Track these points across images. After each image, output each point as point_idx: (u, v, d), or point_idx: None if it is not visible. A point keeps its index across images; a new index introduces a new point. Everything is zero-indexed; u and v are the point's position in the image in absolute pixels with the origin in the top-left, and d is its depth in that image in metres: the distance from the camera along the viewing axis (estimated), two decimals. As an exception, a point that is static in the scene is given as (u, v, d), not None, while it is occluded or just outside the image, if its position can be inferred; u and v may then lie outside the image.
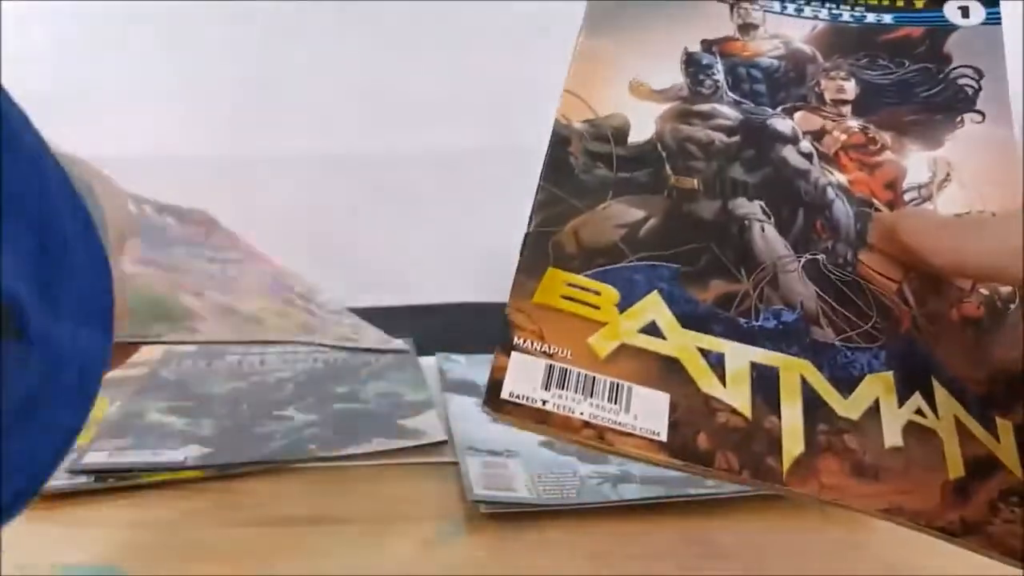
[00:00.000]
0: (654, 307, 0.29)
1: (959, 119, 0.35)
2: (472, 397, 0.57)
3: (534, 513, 0.43)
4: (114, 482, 0.45)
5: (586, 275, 0.30)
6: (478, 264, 0.86)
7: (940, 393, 0.29)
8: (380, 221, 0.87)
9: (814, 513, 0.43)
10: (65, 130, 0.96)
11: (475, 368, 0.63)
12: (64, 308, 0.23)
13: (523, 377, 0.28)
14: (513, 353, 0.28)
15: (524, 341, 0.28)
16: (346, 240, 0.88)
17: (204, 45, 0.85)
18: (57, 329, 0.23)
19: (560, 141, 0.34)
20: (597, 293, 0.30)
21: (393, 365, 0.64)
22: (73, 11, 0.84)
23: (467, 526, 0.43)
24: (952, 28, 0.37)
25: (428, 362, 0.65)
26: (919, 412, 0.29)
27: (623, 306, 0.29)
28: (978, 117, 0.35)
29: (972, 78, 0.36)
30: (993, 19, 0.37)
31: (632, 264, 0.30)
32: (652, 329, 0.29)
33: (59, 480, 0.45)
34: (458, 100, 0.85)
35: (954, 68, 0.36)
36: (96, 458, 0.47)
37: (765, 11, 0.38)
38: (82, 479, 0.45)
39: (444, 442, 0.51)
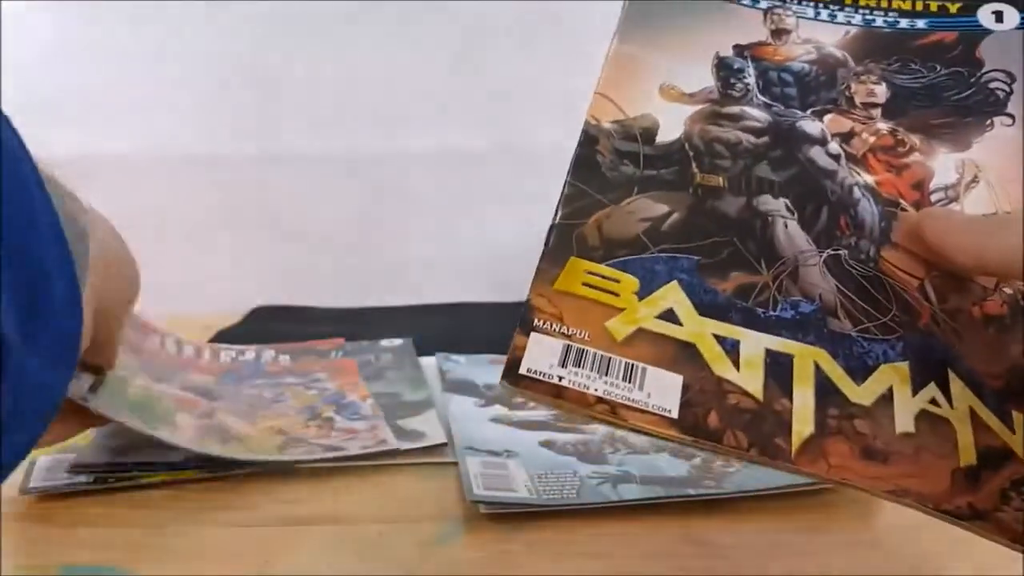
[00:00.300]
0: (673, 295, 0.30)
1: (989, 122, 0.35)
2: (472, 397, 0.57)
3: (534, 513, 0.43)
4: (114, 482, 0.45)
5: (607, 264, 0.31)
6: (478, 264, 0.87)
7: (956, 385, 0.29)
8: (380, 221, 0.87)
9: (814, 513, 0.43)
10: (65, 130, 0.97)
11: (475, 368, 0.63)
12: (39, 345, 0.25)
13: (541, 355, 0.28)
14: (532, 333, 0.29)
15: (544, 323, 0.29)
16: (346, 240, 0.88)
17: (205, 45, 0.85)
18: (30, 364, 0.25)
19: (588, 140, 0.34)
20: (617, 281, 0.30)
21: (392, 364, 0.64)
22: (73, 11, 0.84)
23: (467, 526, 0.43)
24: (985, 32, 0.37)
25: (428, 362, 0.65)
26: (933, 402, 0.29)
27: (642, 294, 0.30)
28: (1008, 120, 0.35)
29: (1004, 82, 0.36)
30: None
31: (653, 255, 0.31)
32: (669, 316, 0.30)
33: (59, 480, 0.45)
34: (459, 100, 0.85)
35: (986, 72, 0.36)
36: (96, 458, 0.47)
37: (798, 16, 0.39)
38: (82, 479, 0.45)
39: (444, 444, 0.51)
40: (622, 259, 0.31)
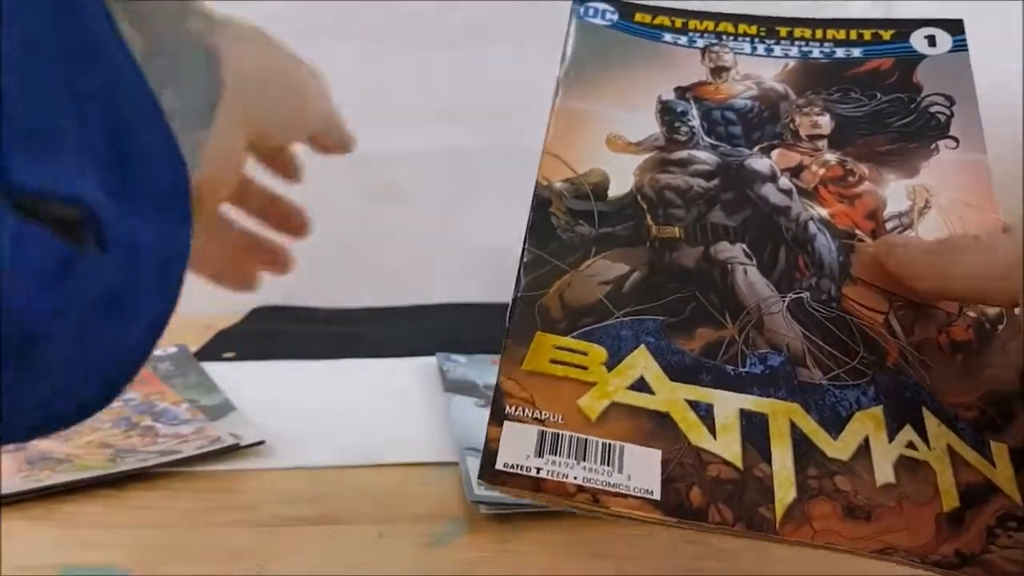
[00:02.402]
0: (642, 362, 0.30)
1: (934, 146, 0.35)
2: (472, 397, 0.57)
3: (534, 513, 0.43)
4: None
5: (573, 336, 0.30)
6: (478, 264, 0.87)
7: (931, 423, 0.29)
8: (380, 221, 0.87)
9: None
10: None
11: (475, 368, 0.63)
12: (140, 205, 0.24)
13: (516, 446, 0.28)
14: (505, 422, 0.28)
15: (516, 408, 0.29)
16: (346, 240, 0.88)
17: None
18: (135, 227, 0.24)
19: (541, 203, 0.34)
20: (584, 353, 0.30)
21: (175, 373, 0.63)
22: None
23: (467, 526, 0.43)
24: (920, 57, 0.38)
25: (428, 362, 0.65)
26: (910, 445, 0.29)
27: (611, 363, 0.30)
28: (952, 143, 0.35)
29: (944, 105, 0.36)
30: (960, 46, 0.38)
31: (618, 320, 0.31)
32: (641, 385, 0.29)
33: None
34: (459, 100, 0.85)
35: (926, 96, 0.37)
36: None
37: (735, 53, 0.39)
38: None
39: (262, 442, 0.50)
40: (587, 328, 0.30)
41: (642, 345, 0.30)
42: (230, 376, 0.62)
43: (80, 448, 0.50)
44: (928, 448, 0.29)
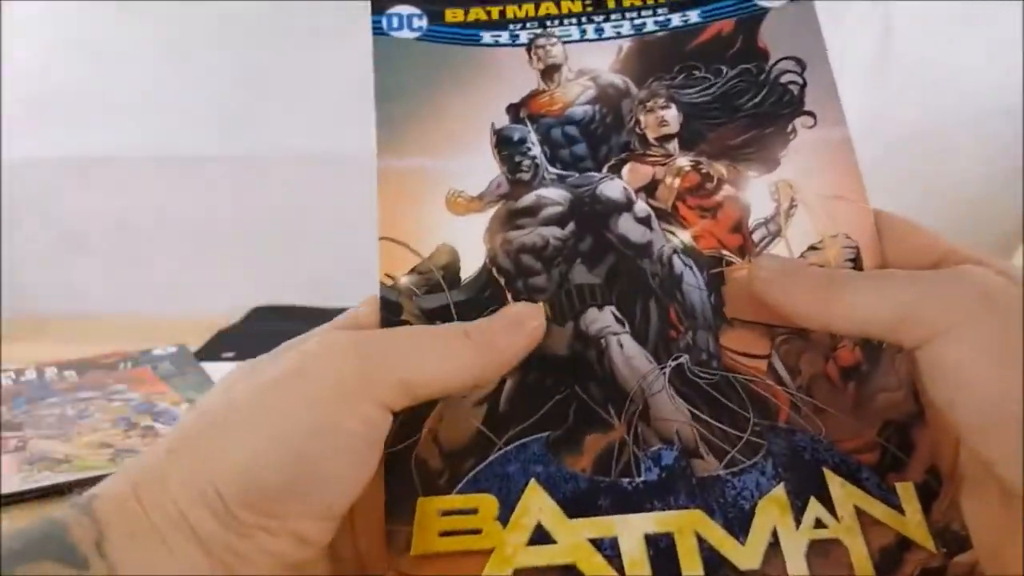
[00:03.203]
0: (536, 503, 0.27)
1: (790, 128, 0.32)
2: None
3: None
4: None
5: (458, 492, 0.27)
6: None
7: (835, 485, 0.28)
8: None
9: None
10: (65, 130, 0.96)
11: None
12: None
13: None
14: None
15: None
16: (346, 240, 0.88)
17: (205, 45, 0.85)
18: None
19: (391, 308, 0.30)
20: (474, 511, 0.27)
21: (174, 372, 0.63)
22: (73, 11, 0.84)
23: None
24: (763, 13, 0.34)
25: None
26: (819, 524, 0.27)
27: (504, 515, 0.27)
28: (809, 121, 0.32)
29: (795, 72, 0.33)
30: None
31: (501, 453, 0.28)
32: (540, 535, 0.27)
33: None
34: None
35: (775, 64, 0.33)
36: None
37: (564, 42, 0.34)
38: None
39: None
40: (471, 475, 0.27)
41: (532, 480, 0.27)
42: (230, 376, 0.61)
43: (80, 448, 0.50)
44: (836, 520, 0.27)
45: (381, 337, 0.26)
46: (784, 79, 0.33)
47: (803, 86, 0.33)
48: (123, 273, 0.89)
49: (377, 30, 0.33)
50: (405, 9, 0.34)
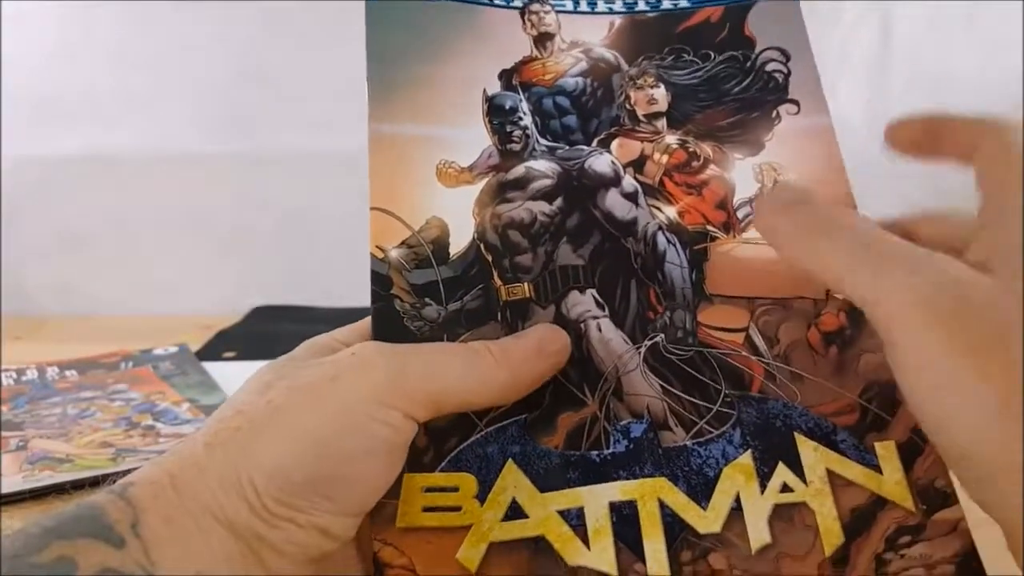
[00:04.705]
0: (512, 480, 0.28)
1: (775, 114, 0.33)
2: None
3: None
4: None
5: (441, 470, 0.28)
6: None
7: (806, 450, 0.28)
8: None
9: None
10: (65, 130, 0.96)
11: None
12: None
13: None
14: None
15: None
16: (346, 240, 0.88)
17: (205, 44, 0.85)
18: None
19: (381, 284, 0.30)
20: (455, 489, 0.28)
21: (175, 372, 0.63)
22: (73, 11, 0.84)
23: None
24: (750, 3, 0.35)
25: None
26: (785, 488, 0.27)
27: (483, 494, 0.28)
28: (793, 108, 0.33)
29: (780, 62, 0.34)
30: None
31: (482, 434, 0.28)
32: (514, 511, 0.28)
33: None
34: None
35: (760, 53, 0.34)
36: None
37: (557, 11, 0.35)
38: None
39: None
40: (454, 455, 0.28)
41: (509, 460, 0.28)
42: (231, 375, 0.62)
43: (81, 448, 0.50)
44: (804, 484, 0.27)
45: (412, 351, 0.27)
46: (769, 67, 0.34)
47: (787, 75, 0.33)
48: (123, 273, 0.89)
49: None
50: None
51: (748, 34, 0.34)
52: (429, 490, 0.28)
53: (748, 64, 0.34)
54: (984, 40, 0.78)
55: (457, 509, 0.27)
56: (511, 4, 0.35)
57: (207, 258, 0.89)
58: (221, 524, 0.24)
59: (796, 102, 0.33)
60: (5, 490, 0.45)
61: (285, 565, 0.25)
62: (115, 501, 0.23)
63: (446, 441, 0.28)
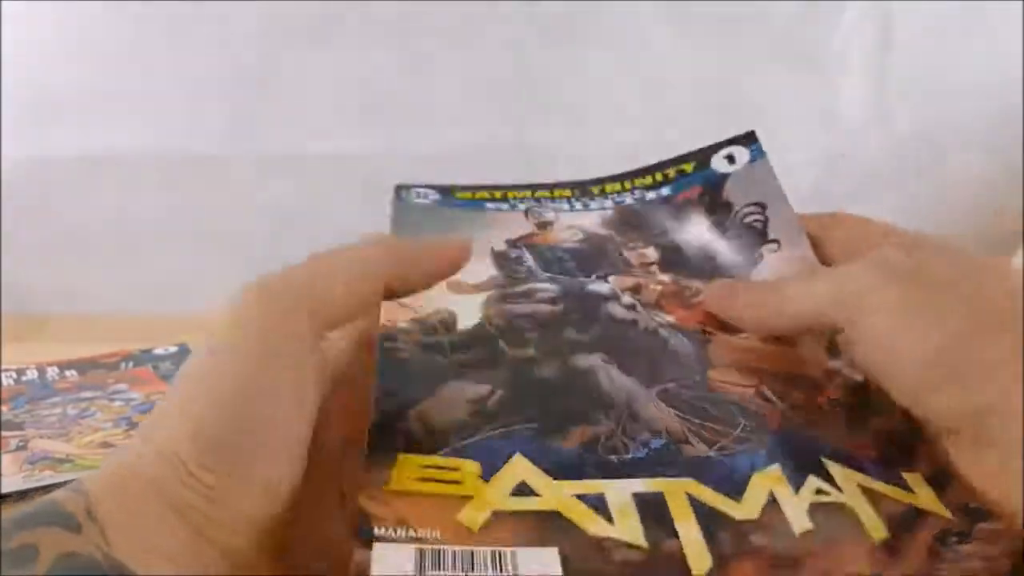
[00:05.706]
0: (521, 468, 0.27)
1: (758, 254, 0.36)
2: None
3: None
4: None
5: (442, 454, 0.27)
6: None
7: (835, 468, 0.27)
8: (381, 221, 0.87)
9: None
10: (65, 130, 0.96)
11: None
12: None
13: (392, 566, 0.23)
14: (376, 544, 0.23)
15: (387, 529, 0.24)
16: (346, 239, 0.88)
17: (205, 45, 0.85)
18: None
19: (388, 338, 0.32)
20: (456, 469, 0.27)
21: (175, 372, 0.63)
22: (73, 11, 0.84)
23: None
24: (724, 177, 0.39)
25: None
26: (819, 492, 0.27)
27: (487, 476, 0.26)
28: (774, 246, 0.36)
29: (758, 214, 0.37)
30: (757, 154, 0.39)
31: (488, 435, 0.28)
32: (524, 489, 0.26)
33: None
34: (460, 99, 0.85)
35: (738, 211, 0.38)
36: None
37: (556, 211, 0.40)
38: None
39: None
40: (456, 446, 0.27)
41: (518, 453, 0.27)
42: (230, 376, 0.62)
43: (81, 448, 0.50)
44: (840, 491, 0.27)
45: (292, 270, 0.30)
46: (748, 220, 0.37)
47: (766, 222, 0.37)
48: (123, 273, 0.88)
49: (399, 198, 0.41)
50: (422, 189, 0.42)
51: (726, 199, 0.38)
52: (427, 467, 0.27)
53: (727, 222, 0.38)
54: (984, 40, 0.78)
55: (457, 483, 0.26)
56: (515, 209, 0.40)
57: (207, 258, 0.89)
58: (167, 507, 0.24)
59: (777, 241, 0.36)
60: (5, 490, 0.45)
61: (233, 539, 0.24)
62: (70, 494, 0.24)
63: (448, 438, 0.28)
